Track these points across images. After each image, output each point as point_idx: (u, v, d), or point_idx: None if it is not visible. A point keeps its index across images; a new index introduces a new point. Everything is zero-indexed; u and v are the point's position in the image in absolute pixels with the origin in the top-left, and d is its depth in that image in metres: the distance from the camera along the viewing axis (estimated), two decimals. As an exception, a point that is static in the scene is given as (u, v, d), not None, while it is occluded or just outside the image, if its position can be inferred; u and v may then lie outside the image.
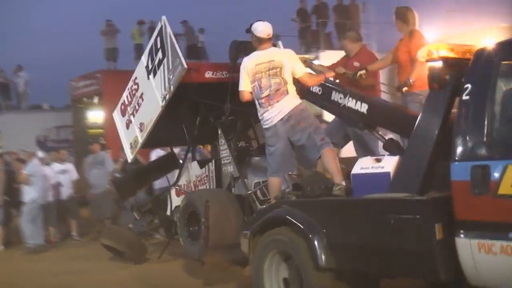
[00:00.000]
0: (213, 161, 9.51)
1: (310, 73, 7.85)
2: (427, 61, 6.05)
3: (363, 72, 8.14)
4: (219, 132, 9.34)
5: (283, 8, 27.20)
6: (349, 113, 7.82)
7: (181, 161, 10.90)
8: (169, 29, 9.19)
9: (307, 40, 23.25)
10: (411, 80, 7.53)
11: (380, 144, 7.81)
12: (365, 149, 8.31)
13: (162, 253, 10.93)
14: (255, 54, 7.79)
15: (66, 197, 14.87)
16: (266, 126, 7.68)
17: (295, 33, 23.93)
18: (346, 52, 8.78)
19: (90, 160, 15.57)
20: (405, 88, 7.58)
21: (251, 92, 7.78)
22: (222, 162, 9.28)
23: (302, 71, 7.67)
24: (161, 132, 9.98)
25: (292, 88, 7.62)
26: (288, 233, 6.63)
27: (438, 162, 5.90)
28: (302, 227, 6.46)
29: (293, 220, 6.58)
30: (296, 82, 7.71)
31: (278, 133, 7.60)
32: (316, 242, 6.25)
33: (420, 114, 6.22)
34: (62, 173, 14.89)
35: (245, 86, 7.81)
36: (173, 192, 10.56)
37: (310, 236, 6.34)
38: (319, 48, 21.37)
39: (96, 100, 23.14)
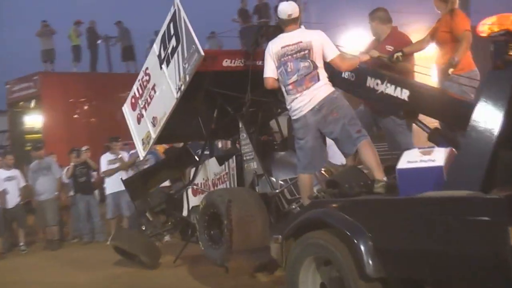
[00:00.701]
0: (234, 157, 8.69)
1: (343, 56, 7.01)
2: (489, 36, 5.24)
3: (400, 54, 7.33)
4: (240, 125, 8.55)
5: (224, 9, 26.26)
6: (388, 101, 7.03)
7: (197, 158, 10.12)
8: (183, 14, 8.39)
9: (248, 40, 22.38)
10: (456, 59, 6.76)
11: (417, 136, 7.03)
12: (399, 142, 7.52)
13: (177, 257, 10.14)
14: (280, 36, 7.05)
15: (14, 205, 14.10)
16: (294, 117, 6.91)
17: (236, 33, 23.30)
18: (375, 35, 7.93)
19: (34, 166, 14.44)
20: (451, 70, 6.80)
21: (277, 79, 7.03)
22: (244, 158, 8.49)
23: (334, 53, 6.89)
24: (175, 126, 9.22)
25: (323, 73, 6.86)
26: (327, 237, 5.81)
27: (503, 153, 5.11)
28: (344, 230, 5.66)
29: (333, 223, 5.78)
30: (327, 67, 6.93)
31: (308, 125, 6.83)
32: (362, 248, 5.42)
33: (479, 98, 5.41)
34: (9, 180, 14.06)
35: (270, 71, 7.08)
36: (189, 191, 9.81)
37: (355, 240, 5.51)
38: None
39: (33, 103, 22.66)
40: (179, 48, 8.53)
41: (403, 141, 7.49)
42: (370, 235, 5.48)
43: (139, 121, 9.70)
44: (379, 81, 7.09)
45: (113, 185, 13.38)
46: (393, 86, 6.94)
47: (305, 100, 6.78)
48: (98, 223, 14.11)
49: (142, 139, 9.61)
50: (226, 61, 8.79)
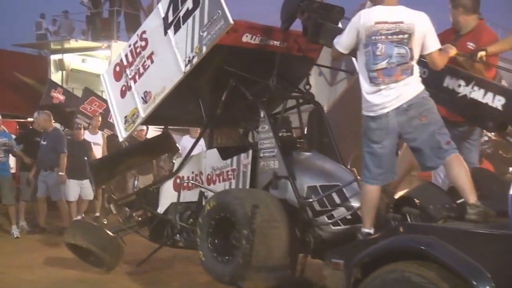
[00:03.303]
0: (250, 151, 7.19)
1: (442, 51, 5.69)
2: None
3: (483, 53, 6.05)
4: (262, 114, 7.07)
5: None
6: (472, 107, 5.78)
7: (181, 147, 8.57)
8: None
9: (96, 27, 21.83)
10: None
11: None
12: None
13: (144, 260, 8.53)
14: (377, 8, 5.61)
15: None
16: (371, 113, 5.53)
17: (81, 18, 22.86)
18: (457, 26, 6.57)
19: None
20: None
21: (345, 54, 5.84)
22: (262, 154, 7.01)
23: (435, 45, 5.58)
24: (168, 106, 7.66)
25: (417, 67, 5.52)
26: (428, 274, 4.46)
27: None
28: (455, 267, 4.33)
29: (444, 258, 4.42)
30: None
31: (389, 126, 5.48)
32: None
33: None
34: None
35: (344, 45, 5.75)
36: (169, 184, 8.22)
37: (474, 282, 4.21)
38: (112, 38, 20.41)
39: None
40: (197, 12, 7.02)
41: (467, 158, 6.22)
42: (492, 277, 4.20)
43: (123, 94, 8.07)
44: (462, 82, 5.85)
45: None
46: (482, 91, 5.71)
47: (391, 95, 5.43)
48: None
49: (126, 117, 7.99)
50: (247, 36, 7.32)
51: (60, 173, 11.61)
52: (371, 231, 5.55)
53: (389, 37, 5.42)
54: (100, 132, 12.98)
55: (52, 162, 11.61)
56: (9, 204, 11.38)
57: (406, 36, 5.42)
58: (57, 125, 15.58)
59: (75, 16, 22.56)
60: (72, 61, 21.60)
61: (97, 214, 12.68)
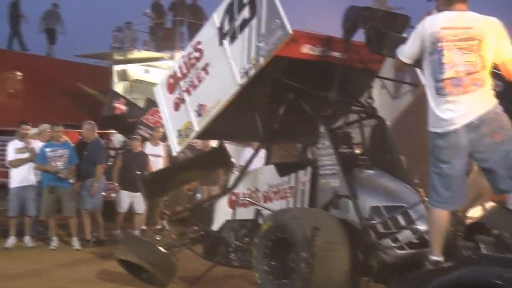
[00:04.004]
0: (308, 169, 6.81)
1: None
2: None
3: None
4: (321, 129, 6.69)
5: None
6: None
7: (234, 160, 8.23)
8: None
9: (159, 37, 21.72)
10: None
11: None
12: None
13: (198, 279, 8.22)
14: (444, 14, 5.20)
15: None
16: (439, 130, 5.10)
17: (144, 28, 22.65)
18: None
19: None
20: None
21: (409, 64, 5.44)
22: (321, 172, 6.63)
23: (510, 52, 5.10)
24: (223, 120, 7.36)
25: (489, 78, 5.04)
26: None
27: None
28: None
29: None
30: None
31: (458, 144, 5.04)
32: None
33: None
34: None
35: (408, 53, 5.38)
36: (223, 200, 7.92)
37: None
38: (175, 48, 20.05)
39: None
40: (254, 21, 6.73)
41: None
42: None
43: (176, 107, 7.81)
44: None
45: (20, 178, 11.45)
46: None
47: (460, 110, 4.99)
48: None
49: (179, 130, 7.71)
50: (306, 47, 6.96)
51: (94, 184, 11.48)
52: (440, 259, 5.11)
53: (457, 43, 5.01)
54: (161, 144, 12.72)
55: (90, 173, 11.51)
56: (70, 216, 11.27)
57: (475, 42, 5.00)
58: (118, 136, 15.60)
59: (137, 26, 22.50)
60: (135, 71, 21.61)
61: (143, 227, 12.46)
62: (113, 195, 12.41)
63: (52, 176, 11.08)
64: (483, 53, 5.01)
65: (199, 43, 7.54)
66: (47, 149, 11.18)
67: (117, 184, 11.83)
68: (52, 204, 11.13)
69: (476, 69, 4.99)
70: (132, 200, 11.86)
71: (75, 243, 11.15)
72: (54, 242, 11.16)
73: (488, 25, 5.08)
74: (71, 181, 11.29)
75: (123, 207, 11.96)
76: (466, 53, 5.00)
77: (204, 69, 7.39)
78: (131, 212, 12.04)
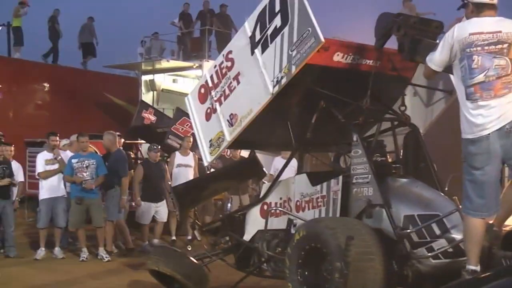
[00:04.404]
0: (340, 177, 6.76)
1: None
2: None
3: None
4: (354, 138, 6.62)
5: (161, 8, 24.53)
6: None
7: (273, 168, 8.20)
8: None
9: (186, 46, 21.63)
10: None
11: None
12: None
13: (233, 288, 8.20)
14: (472, 21, 5.18)
15: None
16: (471, 136, 5.06)
17: (171, 38, 22.67)
18: None
19: None
20: None
21: (439, 72, 5.45)
22: (354, 180, 6.56)
23: None
24: (256, 129, 7.32)
25: None
26: None
27: None
28: None
29: None
30: None
31: (491, 150, 4.99)
32: None
33: None
34: None
35: (438, 61, 5.35)
36: (255, 210, 7.88)
37: None
38: (203, 57, 19.90)
39: None
40: (286, 30, 6.68)
41: None
42: None
43: (208, 117, 7.79)
44: None
45: (49, 189, 11.51)
46: None
47: (492, 115, 4.95)
48: (11, 234, 11.60)
49: (211, 140, 7.69)
50: (338, 55, 6.92)
51: (123, 197, 11.55)
52: (477, 268, 5.03)
53: (486, 48, 4.99)
54: (191, 153, 12.72)
55: (110, 184, 11.49)
56: (98, 226, 11.29)
57: (505, 45, 4.97)
58: (146, 146, 15.62)
59: (165, 36, 22.54)
60: (163, 81, 21.63)
61: (173, 237, 12.53)
62: (133, 204, 12.44)
63: (79, 187, 11.09)
64: None
65: (230, 52, 7.52)
66: (74, 160, 11.21)
67: (138, 199, 11.84)
68: (80, 215, 11.17)
69: (507, 72, 4.96)
70: (156, 210, 11.98)
71: (102, 253, 11.17)
72: (84, 253, 11.17)
73: None
74: (98, 191, 11.33)
75: (147, 219, 12.02)
76: (496, 56, 4.98)
77: (236, 78, 7.37)
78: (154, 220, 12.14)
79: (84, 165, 11.10)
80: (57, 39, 23.38)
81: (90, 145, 12.38)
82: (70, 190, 11.40)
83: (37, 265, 10.81)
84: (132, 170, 12.54)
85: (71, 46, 23.85)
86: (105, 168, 11.33)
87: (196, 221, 8.76)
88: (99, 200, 11.39)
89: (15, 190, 11.66)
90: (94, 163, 11.21)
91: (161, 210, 12.04)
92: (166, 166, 12.74)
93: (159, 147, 12.88)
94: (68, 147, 12.27)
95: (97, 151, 12.87)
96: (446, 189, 6.89)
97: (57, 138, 11.74)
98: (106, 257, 11.07)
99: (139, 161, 13.94)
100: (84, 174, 11.07)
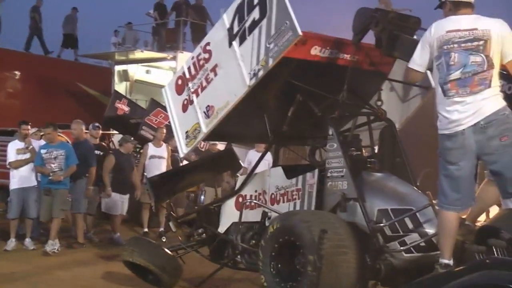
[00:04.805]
0: (315, 171, 6.79)
1: None
2: None
3: None
4: (330, 132, 6.66)
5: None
6: None
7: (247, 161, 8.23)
8: None
9: (161, 37, 21.47)
10: None
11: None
12: None
13: (204, 281, 8.19)
14: (449, 18, 5.23)
15: None
16: (446, 131, 5.11)
17: (146, 28, 22.50)
18: None
19: None
20: None
21: (422, 73, 5.43)
22: (329, 174, 6.60)
23: None
24: (231, 122, 7.32)
25: (496, 78, 5.07)
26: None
27: None
28: None
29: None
30: None
31: (466, 146, 5.04)
32: None
33: None
34: None
35: (418, 62, 5.36)
36: (230, 202, 7.89)
37: None
38: (177, 49, 19.89)
39: None
40: (264, 22, 6.68)
41: None
42: None
43: (185, 108, 7.76)
44: None
45: (20, 179, 11.21)
46: None
47: (467, 111, 5.00)
48: None
49: (187, 132, 7.66)
50: (316, 49, 6.93)
51: (89, 187, 11.40)
52: (450, 262, 5.09)
53: (463, 45, 5.04)
54: (164, 145, 12.59)
55: (77, 174, 11.20)
56: (55, 217, 10.81)
57: (481, 42, 5.01)
58: (118, 136, 15.50)
59: (138, 27, 22.39)
60: (136, 72, 21.47)
61: (145, 229, 12.37)
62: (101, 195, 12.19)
63: (48, 178, 10.79)
64: (489, 53, 5.00)
65: (208, 44, 7.50)
66: (43, 151, 10.89)
67: (109, 189, 11.67)
68: (50, 206, 10.79)
69: (483, 69, 5.00)
70: (121, 201, 11.85)
71: (50, 246, 10.64)
72: (55, 245, 10.78)
73: (493, 25, 5.08)
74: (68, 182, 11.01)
75: (117, 209, 11.86)
76: (472, 53, 5.01)
77: (213, 70, 7.35)
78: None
79: (52, 156, 10.76)
80: (38, 30, 23.12)
81: (61, 135, 12.19)
82: (40, 180, 11.13)
83: (7, 256, 10.57)
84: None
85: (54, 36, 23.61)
86: (75, 158, 10.99)
87: (172, 212, 8.71)
88: (64, 191, 10.93)
89: None
90: (63, 154, 10.84)
91: (125, 203, 11.92)
92: (136, 157, 12.60)
93: (132, 138, 12.74)
94: (36, 136, 12.00)
95: (69, 141, 12.66)
96: (418, 184, 6.95)
97: (29, 127, 11.49)
98: (52, 250, 10.60)
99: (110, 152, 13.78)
100: (52, 165, 10.73)
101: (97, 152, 11.97)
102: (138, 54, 20.76)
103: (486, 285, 4.21)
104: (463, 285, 4.32)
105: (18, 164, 11.19)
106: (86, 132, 12.29)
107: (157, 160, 12.24)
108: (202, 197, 13.23)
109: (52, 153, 10.77)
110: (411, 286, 4.88)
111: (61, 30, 23.59)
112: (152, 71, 21.39)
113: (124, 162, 11.90)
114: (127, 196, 11.96)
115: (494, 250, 5.03)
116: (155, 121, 14.73)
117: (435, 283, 4.62)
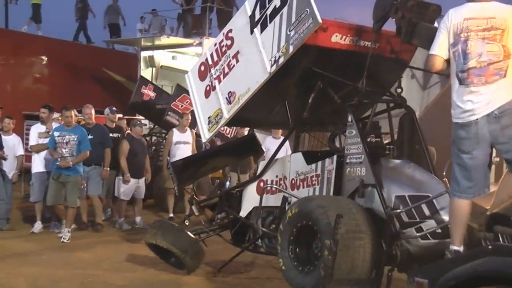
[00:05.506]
0: (334, 157, 6.87)
1: None
2: None
3: None
4: (349, 118, 6.73)
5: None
6: None
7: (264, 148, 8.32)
8: None
9: (187, 24, 21.44)
10: None
11: None
12: None
13: (225, 264, 8.33)
14: (467, 5, 5.23)
15: None
16: (460, 120, 5.15)
17: (171, 14, 22.58)
18: None
19: None
20: None
21: (447, 60, 5.29)
22: (348, 160, 6.67)
23: None
24: (253, 108, 7.42)
25: None
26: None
27: None
28: None
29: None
30: None
31: (480, 135, 5.07)
32: None
33: None
34: None
35: (440, 48, 5.31)
36: (252, 187, 8.00)
37: None
38: (203, 35, 19.91)
39: None
40: (285, 10, 6.75)
41: None
42: None
43: (207, 94, 7.88)
44: None
45: (42, 163, 11.26)
46: None
47: (481, 101, 5.02)
48: (3, 206, 11.36)
49: (209, 117, 7.80)
50: (336, 36, 6.99)
51: (105, 168, 11.39)
52: (461, 249, 5.15)
53: (479, 33, 5.03)
54: (189, 130, 12.62)
55: (96, 158, 11.22)
56: (71, 206, 10.66)
57: (498, 32, 5.00)
58: (146, 122, 15.60)
59: (164, 13, 22.50)
60: (162, 57, 21.63)
61: (171, 215, 12.46)
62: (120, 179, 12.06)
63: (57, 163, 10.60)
64: (506, 42, 5.00)
65: (230, 31, 7.60)
66: (56, 133, 10.64)
67: (128, 174, 11.66)
68: (56, 191, 10.56)
69: (499, 58, 4.99)
70: (136, 186, 11.90)
71: (66, 234, 10.43)
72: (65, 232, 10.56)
73: (511, 14, 5.07)
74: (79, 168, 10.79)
75: (129, 195, 11.91)
76: (489, 42, 5.01)
77: (235, 57, 7.45)
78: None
79: (65, 141, 10.51)
80: (84, 18, 23.57)
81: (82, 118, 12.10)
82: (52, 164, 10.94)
83: (32, 238, 10.71)
84: None
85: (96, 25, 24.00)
86: (88, 144, 10.78)
87: (194, 196, 8.84)
88: (77, 179, 10.71)
89: (4, 163, 11.33)
90: (75, 139, 10.57)
91: (141, 186, 11.96)
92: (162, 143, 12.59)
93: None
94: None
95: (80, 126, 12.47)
96: (444, 173, 6.97)
97: (46, 110, 11.41)
98: (65, 238, 10.39)
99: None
100: (64, 150, 10.46)
101: (115, 134, 12.07)
102: (164, 40, 20.85)
103: (488, 271, 4.27)
104: (467, 271, 4.38)
105: (38, 148, 11.21)
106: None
107: (182, 146, 12.28)
108: (228, 183, 13.30)
109: (64, 137, 10.53)
110: (419, 272, 4.92)
111: (104, 20, 23.88)
112: (178, 57, 21.50)
113: (137, 147, 11.93)
114: (143, 179, 12.02)
115: (500, 237, 5.07)
116: (181, 106, 14.78)
117: (441, 269, 4.67)
